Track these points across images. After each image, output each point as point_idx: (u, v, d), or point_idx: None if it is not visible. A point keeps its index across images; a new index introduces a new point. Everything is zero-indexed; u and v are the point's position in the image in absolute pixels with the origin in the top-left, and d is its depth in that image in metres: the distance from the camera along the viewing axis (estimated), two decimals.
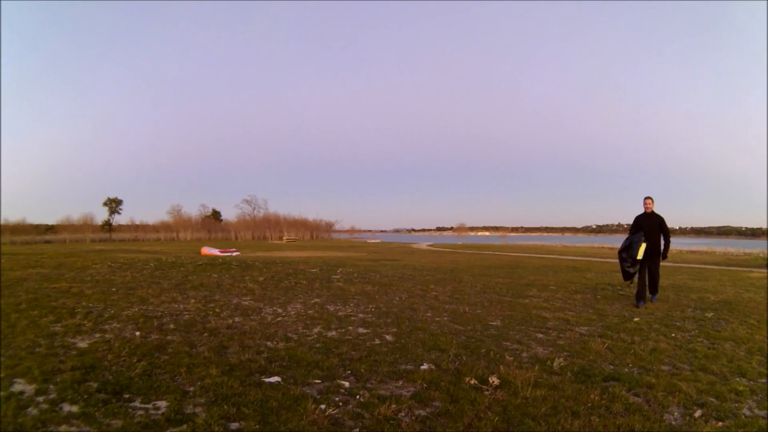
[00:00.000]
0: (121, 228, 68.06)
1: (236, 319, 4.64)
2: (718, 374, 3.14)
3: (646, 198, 6.60)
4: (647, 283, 6.53)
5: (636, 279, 6.62)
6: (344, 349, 3.55)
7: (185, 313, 4.92)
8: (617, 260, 6.81)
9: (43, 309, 4.89)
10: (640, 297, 6.44)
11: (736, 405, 2.59)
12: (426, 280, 8.76)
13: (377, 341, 3.88)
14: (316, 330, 4.25)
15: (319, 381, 2.83)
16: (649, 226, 6.46)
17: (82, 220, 62.09)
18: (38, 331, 3.93)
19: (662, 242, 6.56)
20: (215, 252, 21.46)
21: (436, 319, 4.92)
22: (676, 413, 2.47)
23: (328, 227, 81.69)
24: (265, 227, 72.86)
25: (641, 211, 6.64)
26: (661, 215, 6.54)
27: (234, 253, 20.96)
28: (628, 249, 6.49)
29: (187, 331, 4.04)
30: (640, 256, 6.32)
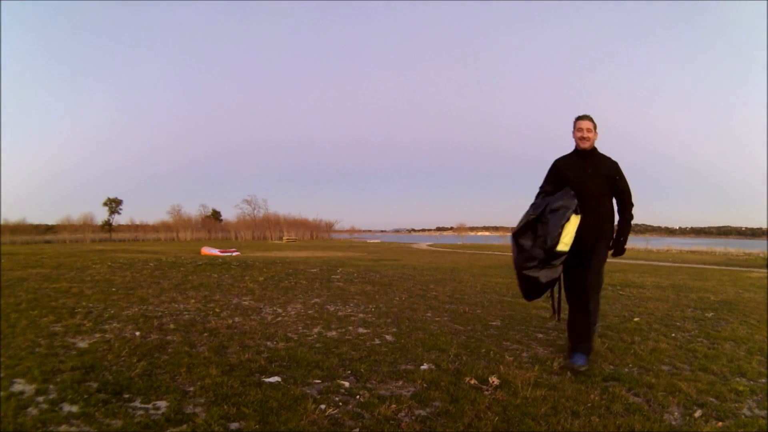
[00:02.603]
0: (121, 228, 68.13)
1: (236, 319, 4.64)
2: (718, 374, 3.14)
3: (580, 119, 3.33)
4: (574, 315, 3.30)
5: (555, 298, 3.46)
6: (344, 349, 3.55)
7: (185, 313, 4.92)
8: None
9: (43, 309, 4.89)
10: (580, 343, 3.23)
11: (736, 405, 2.59)
12: (426, 280, 8.76)
13: (377, 341, 3.88)
14: (316, 330, 4.25)
15: (319, 381, 2.83)
16: (587, 180, 3.27)
17: (82, 220, 62.22)
18: (38, 331, 3.92)
19: (616, 220, 3.39)
20: (215, 252, 21.46)
21: (436, 319, 4.92)
22: (676, 413, 2.47)
23: (328, 227, 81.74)
24: (265, 227, 72.87)
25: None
26: (616, 161, 3.38)
27: (234, 253, 20.95)
28: (534, 227, 3.18)
29: (187, 331, 4.04)
30: (563, 245, 3.07)
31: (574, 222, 3.14)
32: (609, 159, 3.42)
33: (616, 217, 3.42)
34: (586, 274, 3.27)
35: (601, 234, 3.32)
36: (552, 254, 3.09)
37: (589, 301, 3.24)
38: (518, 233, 3.27)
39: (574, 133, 3.39)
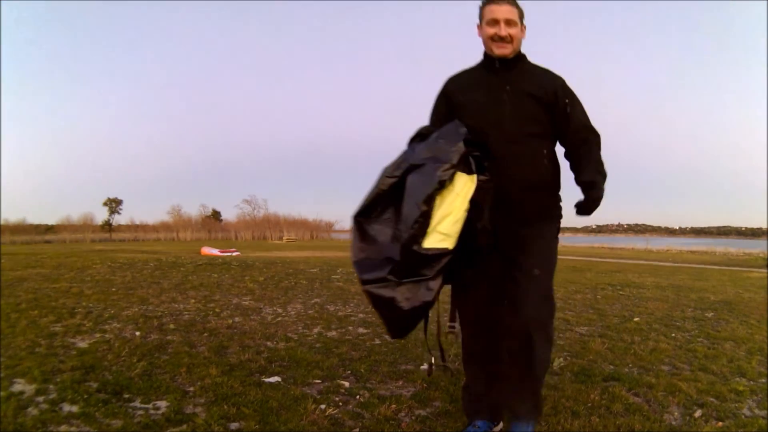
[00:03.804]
0: (121, 228, 68.15)
1: (236, 319, 4.64)
2: (718, 374, 3.14)
3: (492, 1, 1.79)
4: (506, 366, 1.88)
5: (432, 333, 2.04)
6: (344, 349, 3.55)
7: (185, 313, 4.92)
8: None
9: (43, 309, 4.89)
10: (519, 405, 1.88)
11: (736, 405, 2.59)
12: None
13: (377, 341, 3.88)
14: (316, 330, 4.25)
15: (319, 381, 2.83)
16: (501, 108, 1.77)
17: (82, 220, 62.26)
18: (38, 331, 3.92)
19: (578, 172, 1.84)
20: (215, 252, 21.47)
21: (436, 319, 4.91)
22: (676, 413, 2.47)
23: (328, 227, 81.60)
24: (265, 227, 72.78)
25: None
26: (560, 76, 1.84)
27: (234, 253, 20.95)
28: (396, 203, 1.54)
29: (187, 331, 4.04)
30: (439, 238, 1.53)
31: (462, 188, 1.57)
32: (546, 72, 1.90)
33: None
34: (519, 296, 1.86)
35: (534, 211, 1.87)
36: (413, 257, 1.56)
37: (533, 344, 1.82)
38: (364, 212, 1.66)
39: (482, 29, 1.87)
